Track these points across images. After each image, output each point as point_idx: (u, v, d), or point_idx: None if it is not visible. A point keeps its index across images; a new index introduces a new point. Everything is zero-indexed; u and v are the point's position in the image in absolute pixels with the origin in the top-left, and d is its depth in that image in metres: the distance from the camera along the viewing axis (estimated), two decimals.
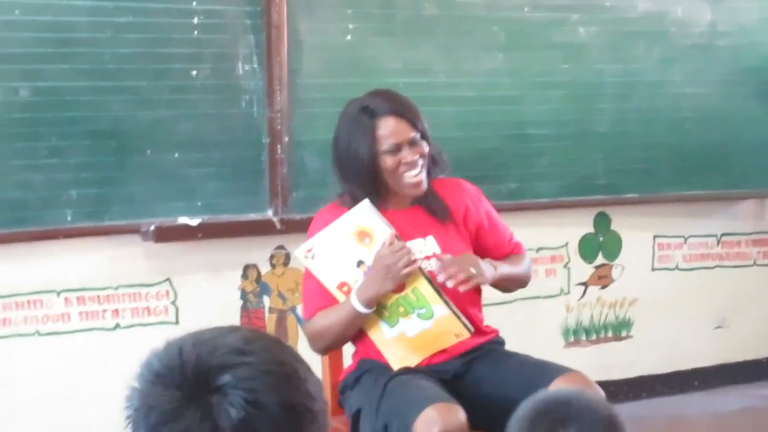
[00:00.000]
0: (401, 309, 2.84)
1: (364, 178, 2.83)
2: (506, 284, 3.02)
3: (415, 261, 2.76)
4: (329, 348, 2.95)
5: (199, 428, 1.14)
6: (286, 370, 1.21)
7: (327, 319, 2.85)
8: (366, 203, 2.77)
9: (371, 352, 2.92)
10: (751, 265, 5.09)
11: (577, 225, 4.67)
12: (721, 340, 5.04)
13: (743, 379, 5.06)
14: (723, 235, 5.00)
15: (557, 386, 2.67)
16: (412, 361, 2.88)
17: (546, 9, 4.38)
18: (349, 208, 2.83)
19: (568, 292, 4.68)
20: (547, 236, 4.58)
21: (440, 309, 2.83)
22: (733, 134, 4.79)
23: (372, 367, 2.90)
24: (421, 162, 2.85)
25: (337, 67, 4.02)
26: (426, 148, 2.86)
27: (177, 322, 3.92)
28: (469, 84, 4.25)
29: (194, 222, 3.83)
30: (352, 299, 2.78)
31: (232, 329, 1.26)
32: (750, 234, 5.07)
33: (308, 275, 2.90)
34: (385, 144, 2.80)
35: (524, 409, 1.71)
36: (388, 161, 2.81)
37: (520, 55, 4.36)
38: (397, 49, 4.11)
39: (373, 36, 4.07)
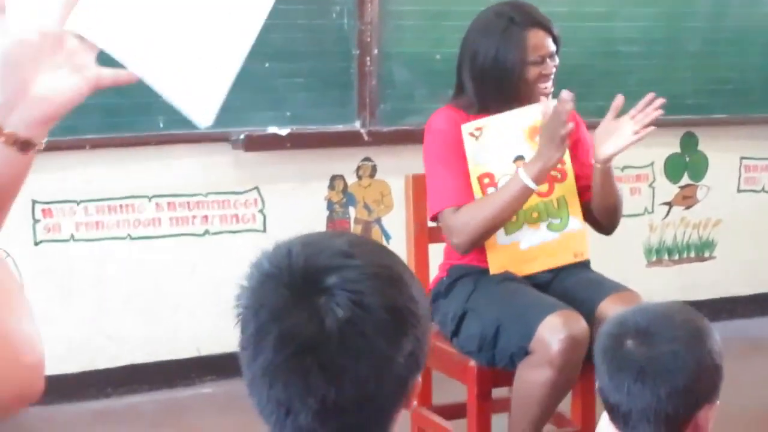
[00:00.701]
0: (535, 215, 2.93)
1: (507, 86, 2.92)
2: (610, 185, 3.03)
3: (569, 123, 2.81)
4: (480, 240, 2.91)
5: (306, 326, 1.20)
6: (391, 274, 1.26)
7: (485, 205, 2.87)
8: (554, 102, 2.85)
9: (464, 258, 3.01)
10: None
11: (664, 145, 4.72)
12: None
13: None
14: None
15: (606, 304, 2.81)
16: (516, 269, 2.97)
17: None
18: (474, 114, 2.94)
19: (652, 212, 4.77)
20: (632, 155, 4.60)
21: (576, 223, 2.95)
22: None
23: (466, 272, 2.98)
24: (553, 74, 2.97)
25: None
26: (557, 60, 2.97)
27: (264, 230, 4.08)
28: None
29: (283, 132, 3.97)
30: (520, 175, 2.83)
31: (338, 234, 1.32)
32: None
33: (444, 162, 2.94)
34: (533, 55, 2.90)
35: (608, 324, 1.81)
36: (532, 71, 2.91)
37: None
38: None
39: None
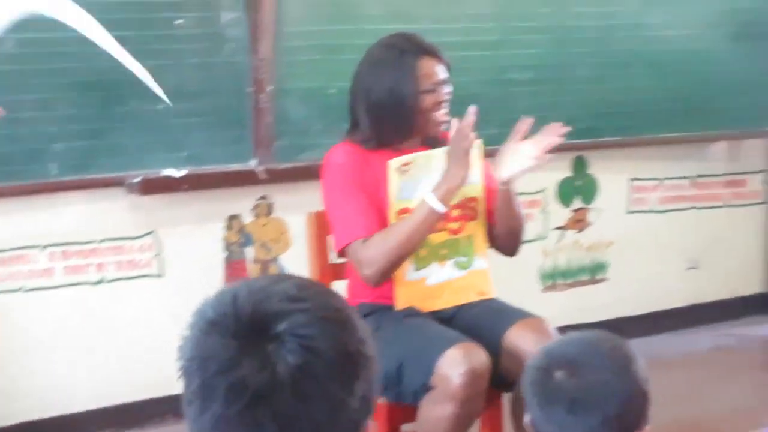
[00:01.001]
0: (444, 251, 3.04)
1: (403, 117, 3.00)
2: (512, 207, 3.12)
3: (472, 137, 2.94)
4: (391, 269, 2.96)
5: (257, 376, 1.17)
6: (340, 316, 1.25)
7: (394, 233, 2.93)
8: (479, 142, 2.97)
9: (368, 296, 3.06)
10: (723, 206, 5.37)
11: (555, 169, 4.86)
12: (694, 281, 5.33)
13: (715, 318, 5.36)
14: (697, 176, 5.26)
15: (514, 331, 2.93)
16: (422, 305, 3.05)
17: None
18: (372, 149, 3.01)
19: (546, 237, 4.92)
20: (525, 181, 4.73)
21: (482, 262, 3.08)
22: (710, 77, 5.02)
23: (371, 310, 3.03)
24: (448, 101, 3.05)
25: (322, 14, 4.17)
26: (451, 87, 3.07)
27: (161, 275, 4.06)
28: (452, 29, 4.38)
29: (179, 173, 3.96)
30: (427, 198, 2.91)
31: (283, 277, 1.29)
32: (722, 175, 5.34)
33: (347, 195, 2.99)
34: (426, 84, 2.98)
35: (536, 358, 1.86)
36: (427, 100, 3.00)
37: None
38: None
39: None
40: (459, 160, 2.91)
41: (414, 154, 3.00)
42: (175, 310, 4.04)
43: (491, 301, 3.15)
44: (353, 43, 4.05)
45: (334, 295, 1.31)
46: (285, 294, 1.24)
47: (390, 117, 3.01)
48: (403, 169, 2.96)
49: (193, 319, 1.25)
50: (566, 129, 3.05)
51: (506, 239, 3.17)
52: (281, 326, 1.20)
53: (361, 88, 3.07)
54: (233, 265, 4.21)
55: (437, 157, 2.99)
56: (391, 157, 2.98)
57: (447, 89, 3.04)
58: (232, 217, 4.19)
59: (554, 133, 3.03)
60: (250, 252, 4.24)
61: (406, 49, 3.01)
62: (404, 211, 2.98)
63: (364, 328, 1.29)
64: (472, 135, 2.93)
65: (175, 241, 4.07)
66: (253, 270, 4.25)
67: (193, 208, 4.08)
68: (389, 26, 4.05)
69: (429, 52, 3.02)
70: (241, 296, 1.23)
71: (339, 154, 3.07)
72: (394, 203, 2.98)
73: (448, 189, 2.92)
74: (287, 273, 1.23)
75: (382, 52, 3.06)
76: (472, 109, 2.92)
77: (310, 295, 1.25)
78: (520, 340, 2.93)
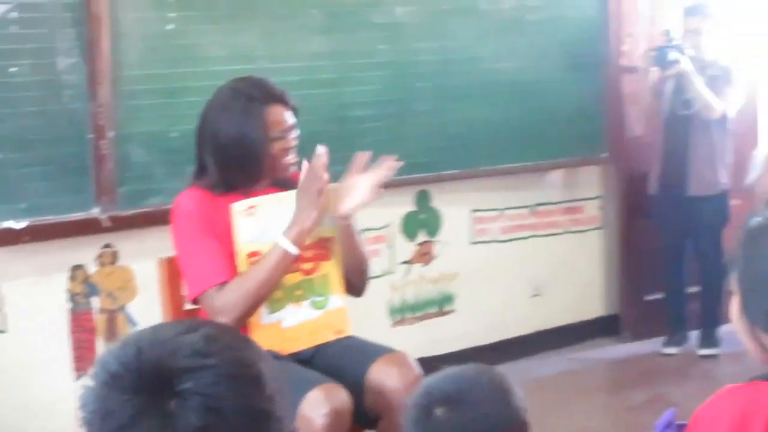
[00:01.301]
0: (299, 292, 3.13)
1: (251, 163, 3.07)
2: (354, 243, 3.21)
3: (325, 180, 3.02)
4: (248, 315, 3.01)
5: None
6: (249, 372, 1.24)
7: (248, 278, 2.98)
8: (331, 186, 3.05)
9: None
10: (563, 233, 5.62)
11: (399, 204, 5.04)
12: (539, 308, 5.59)
13: (560, 343, 5.63)
14: (536, 205, 5.48)
15: (377, 367, 3.02)
16: (280, 348, 3.11)
17: None
18: (220, 194, 3.06)
19: (393, 272, 5.05)
20: (370, 217, 4.89)
21: (338, 300, 3.16)
22: (545, 107, 5.31)
23: None
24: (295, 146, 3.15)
25: (160, 57, 4.23)
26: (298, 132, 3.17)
27: (4, 331, 4.02)
28: (291, 68, 4.50)
29: (19, 225, 3.92)
30: (279, 241, 2.98)
31: (192, 326, 1.27)
32: (560, 203, 5.61)
33: (198, 242, 3.03)
34: (275, 131, 3.07)
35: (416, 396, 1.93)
36: (275, 146, 3.08)
37: (340, 37, 4.69)
38: (220, 35, 4.34)
39: (195, 24, 4.30)
40: (310, 201, 3.00)
41: (261, 197, 3.08)
42: (20, 365, 3.98)
43: (350, 338, 3.25)
44: (194, 85, 4.13)
45: (246, 348, 1.29)
46: (191, 348, 1.22)
47: (237, 162, 3.09)
48: (249, 212, 3.04)
49: (96, 370, 1.23)
50: (399, 163, 3.16)
51: (351, 277, 3.26)
52: (186, 384, 1.19)
53: (208, 132, 3.13)
54: (79, 317, 4.19)
55: (286, 198, 3.08)
56: (238, 201, 3.03)
57: (294, 134, 3.15)
58: (76, 267, 4.18)
59: (388, 168, 3.12)
60: (96, 302, 4.24)
61: (255, 96, 3.08)
62: (254, 255, 3.05)
63: (274, 384, 1.27)
64: (325, 176, 3.02)
65: (17, 294, 4.05)
66: (99, 321, 4.24)
67: (35, 260, 4.06)
68: (229, 67, 4.16)
69: (277, 99, 3.11)
70: (145, 349, 1.22)
71: (187, 200, 3.12)
72: (242, 247, 3.04)
73: (300, 231, 3.00)
74: (199, 320, 1.20)
75: (230, 97, 3.12)
76: (322, 150, 3.04)
77: (218, 350, 1.23)
78: (383, 375, 3.02)
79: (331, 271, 3.18)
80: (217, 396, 1.19)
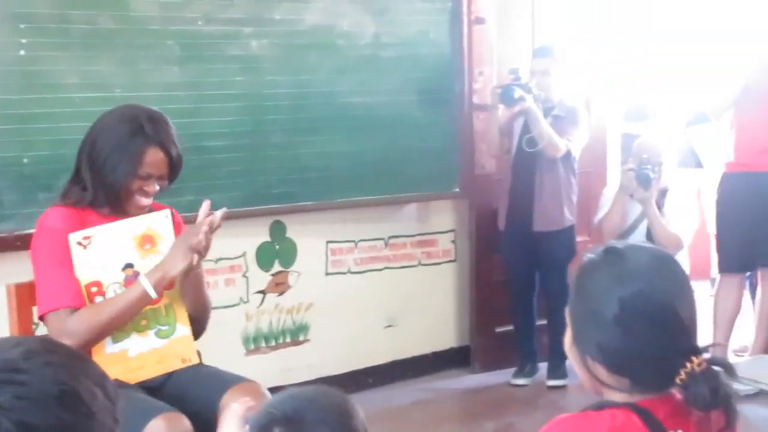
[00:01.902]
0: (143, 322, 3.14)
1: (110, 187, 3.07)
2: (199, 287, 3.23)
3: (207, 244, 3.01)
4: (92, 343, 3.02)
5: None
6: (64, 390, 1.24)
7: (103, 309, 3.00)
8: (168, 212, 3.07)
9: None
10: (417, 266, 5.78)
11: (255, 234, 5.12)
12: (392, 338, 5.72)
13: (414, 373, 5.77)
14: (390, 237, 5.63)
15: (229, 396, 3.02)
16: (126, 377, 3.12)
17: (219, 22, 4.81)
18: (82, 208, 3.08)
19: (248, 301, 5.13)
20: (225, 247, 4.97)
21: (183, 329, 3.18)
22: (399, 142, 5.48)
23: None
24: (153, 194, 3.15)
25: (12, 82, 4.23)
26: (166, 183, 3.15)
27: None
28: (146, 98, 4.49)
29: None
30: (141, 281, 3.00)
31: (17, 341, 1.27)
32: (414, 236, 5.75)
33: (57, 262, 3.02)
34: (143, 170, 3.07)
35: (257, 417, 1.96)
36: (136, 183, 3.08)
37: (196, 68, 4.78)
38: (74, 63, 4.38)
39: (48, 50, 4.33)
40: (183, 252, 3.00)
41: (95, 228, 3.08)
42: None
43: (203, 367, 3.27)
44: (47, 112, 4.17)
45: (71, 366, 1.30)
46: (7, 364, 1.23)
47: (102, 184, 3.08)
48: (84, 242, 3.06)
49: None
50: (222, 211, 3.08)
51: (192, 318, 3.26)
52: None
53: (87, 144, 3.11)
54: None
55: (121, 228, 3.10)
56: (101, 221, 3.09)
57: (157, 185, 3.12)
58: None
59: (212, 215, 3.08)
60: None
61: (146, 130, 3.06)
62: (92, 285, 3.07)
63: (95, 401, 1.29)
64: (206, 239, 3.00)
65: None
66: None
67: None
68: (83, 95, 4.22)
69: (163, 144, 3.08)
70: None
71: (55, 216, 3.11)
72: (81, 277, 3.06)
73: (162, 277, 3.02)
74: (31, 337, 1.20)
75: (124, 118, 3.10)
76: (220, 213, 3.04)
77: (33, 367, 1.24)
78: (235, 403, 3.02)
79: (176, 299, 3.19)
80: (27, 411, 1.20)
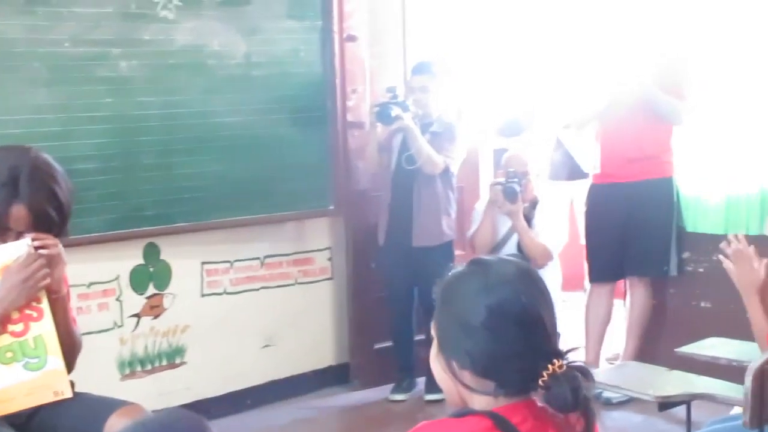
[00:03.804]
0: (9, 354, 3.08)
1: None
2: (63, 320, 3.18)
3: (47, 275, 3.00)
4: None
5: None
6: None
7: None
8: (28, 241, 3.01)
9: None
10: (293, 284, 5.84)
11: (128, 257, 5.14)
12: (270, 358, 5.78)
13: (292, 393, 5.84)
14: (266, 257, 5.69)
15: (114, 421, 3.04)
16: None
17: (87, 44, 4.83)
18: None
19: (122, 325, 5.14)
20: (98, 271, 4.99)
21: (56, 361, 3.12)
22: (273, 160, 5.56)
23: None
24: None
25: None
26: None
27: None
28: (14, 121, 4.55)
29: None
30: None
31: None
32: (291, 255, 5.82)
33: None
34: (7, 221, 3.02)
35: None
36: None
37: (64, 90, 4.79)
38: None
39: None
40: (13, 284, 2.98)
41: None
42: None
43: (81, 395, 3.24)
44: None
45: None
46: None
47: None
48: None
49: None
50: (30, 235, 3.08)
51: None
52: None
53: None
54: None
55: None
56: None
57: (18, 236, 3.06)
58: None
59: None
60: None
61: (15, 187, 3.00)
62: None
63: None
64: (34, 266, 2.98)
65: None
66: None
67: None
68: None
69: (30, 203, 3.02)
70: None
71: None
72: None
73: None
74: None
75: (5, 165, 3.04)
76: (28, 240, 3.00)
77: None
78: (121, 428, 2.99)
79: (47, 331, 3.09)
80: None
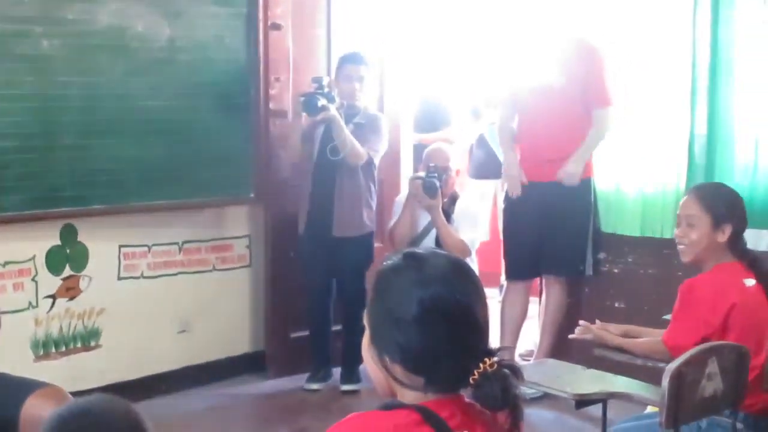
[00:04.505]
0: None
1: None
2: None
3: None
4: None
5: None
6: None
7: None
8: None
9: None
10: (211, 271, 5.86)
11: (44, 238, 5.12)
12: (186, 344, 5.80)
13: (207, 379, 5.86)
14: (184, 242, 5.71)
15: (33, 402, 3.05)
16: None
17: (8, 21, 4.82)
18: None
19: (37, 306, 5.12)
20: (13, 250, 4.96)
21: None
22: (194, 146, 5.57)
23: None
24: None
25: None
26: None
27: None
28: None
29: None
30: None
31: None
32: (209, 241, 5.85)
33: None
34: None
35: (46, 425, 1.98)
36: None
37: None
38: None
39: None
40: None
41: None
42: None
43: None
44: None
45: None
46: None
47: None
48: None
49: None
50: None
51: None
52: None
53: None
54: None
55: None
56: None
57: None
58: None
59: None
60: None
61: None
62: None
63: None
64: None
65: None
66: None
67: None
68: None
69: None
70: None
71: None
72: None
73: None
74: None
75: None
76: None
77: None
78: (40, 410, 3.00)
79: None
80: None
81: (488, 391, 1.92)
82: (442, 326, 1.95)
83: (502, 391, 1.92)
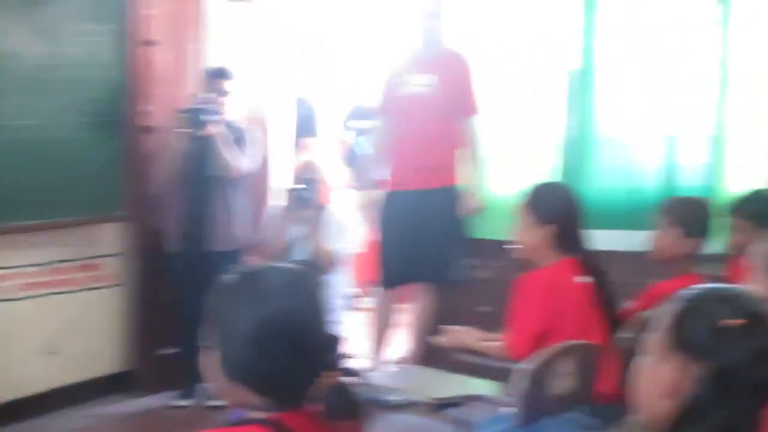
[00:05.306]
0: None
1: None
2: None
3: None
4: None
5: None
6: None
7: None
8: None
9: None
10: (80, 290, 5.78)
11: None
12: (54, 365, 5.71)
13: (75, 400, 5.77)
14: (53, 262, 5.62)
15: None
16: None
17: None
18: None
19: None
20: None
21: None
22: (63, 164, 5.47)
23: None
24: None
25: None
26: None
27: None
28: None
29: None
30: None
31: None
32: (79, 260, 5.76)
33: None
34: None
35: None
36: None
37: None
38: None
39: None
40: None
41: None
42: None
43: None
44: None
45: None
46: None
47: None
48: None
49: None
50: None
51: None
52: None
53: None
54: None
55: None
56: None
57: None
58: None
59: None
60: None
61: None
62: None
63: None
64: None
65: None
66: None
67: None
68: None
69: None
70: None
71: None
72: None
73: None
74: None
75: None
76: None
77: None
78: None
79: None
80: None
81: (329, 404, 1.98)
82: (278, 345, 1.95)
83: (343, 403, 1.99)
